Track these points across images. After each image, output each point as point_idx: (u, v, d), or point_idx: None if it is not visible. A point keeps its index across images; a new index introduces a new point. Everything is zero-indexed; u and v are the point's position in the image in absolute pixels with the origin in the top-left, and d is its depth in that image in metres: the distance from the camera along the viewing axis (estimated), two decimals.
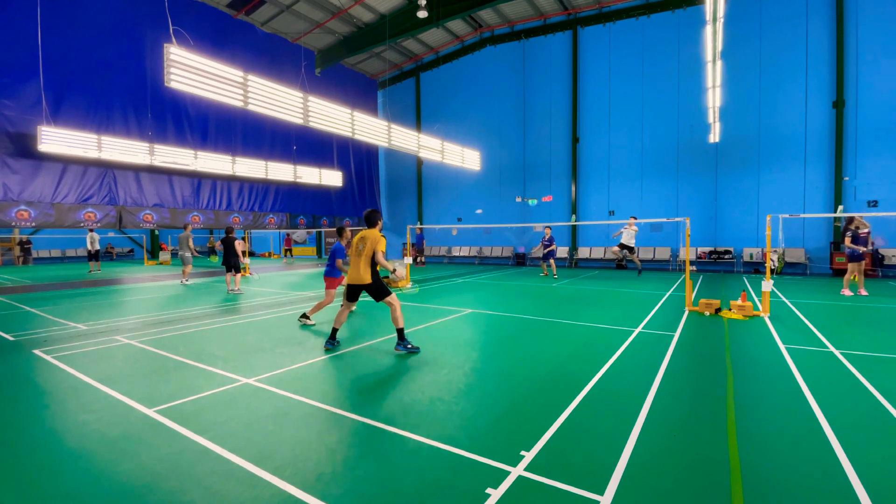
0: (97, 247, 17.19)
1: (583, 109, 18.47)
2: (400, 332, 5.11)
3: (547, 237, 13.50)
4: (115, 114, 14.17)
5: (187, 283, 12.65)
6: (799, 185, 14.53)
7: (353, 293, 5.23)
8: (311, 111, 10.42)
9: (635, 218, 12.82)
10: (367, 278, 5.11)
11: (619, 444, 2.83)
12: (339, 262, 6.95)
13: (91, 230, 16.22)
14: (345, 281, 5.29)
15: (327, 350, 5.20)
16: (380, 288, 5.21)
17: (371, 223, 5.37)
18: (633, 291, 10.25)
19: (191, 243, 12.55)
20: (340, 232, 7.21)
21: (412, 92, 23.84)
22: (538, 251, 13.87)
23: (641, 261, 17.08)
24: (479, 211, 21.58)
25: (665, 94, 16.63)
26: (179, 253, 12.62)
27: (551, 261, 13.46)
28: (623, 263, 14.39)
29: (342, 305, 5.38)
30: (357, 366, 4.64)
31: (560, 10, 18.44)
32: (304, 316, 6.90)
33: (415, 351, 5.07)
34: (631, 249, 13.54)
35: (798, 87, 14.44)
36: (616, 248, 13.70)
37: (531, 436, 2.95)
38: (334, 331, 5.34)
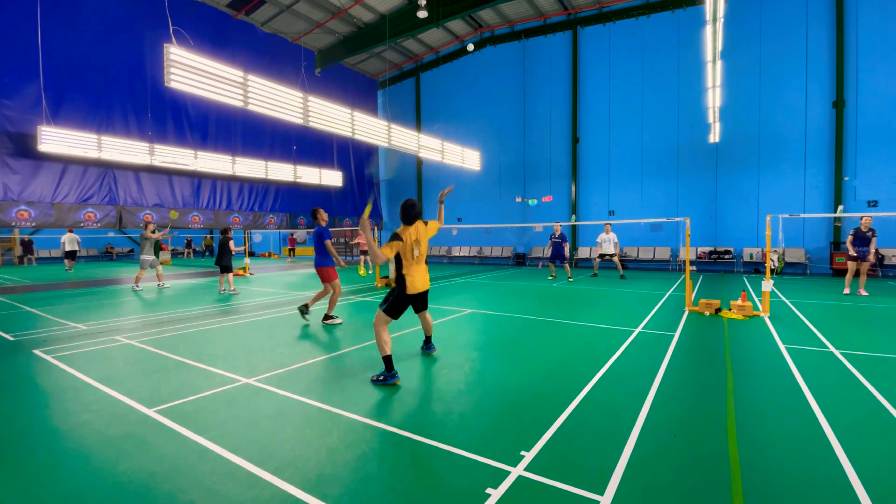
0: (76, 247, 17.63)
1: (583, 109, 18.47)
2: (429, 337, 5.00)
3: (558, 233, 12.59)
4: (115, 114, 14.17)
5: (139, 288, 11.12)
6: (799, 185, 14.53)
7: (406, 306, 4.36)
8: (311, 111, 10.43)
9: (610, 223, 12.81)
10: (429, 283, 4.54)
11: (619, 444, 2.83)
12: (329, 242, 6.48)
13: (70, 230, 16.50)
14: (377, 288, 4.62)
15: (396, 384, 4.00)
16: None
17: (411, 218, 4.28)
18: (633, 291, 10.25)
19: (147, 245, 11.15)
20: (316, 214, 6.70)
21: (412, 92, 23.84)
22: (547, 250, 13.05)
23: (642, 261, 17.10)
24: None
25: (665, 94, 16.63)
26: (139, 256, 11.37)
27: (565, 264, 12.62)
28: (596, 273, 13.90)
29: (383, 322, 4.17)
30: (357, 366, 4.63)
31: (560, 10, 18.44)
32: (328, 317, 6.62)
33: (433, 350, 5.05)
34: (604, 255, 13.44)
35: (798, 87, 14.44)
36: (596, 261, 13.64)
37: (531, 436, 2.95)
38: (390, 358, 4.07)
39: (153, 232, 11.30)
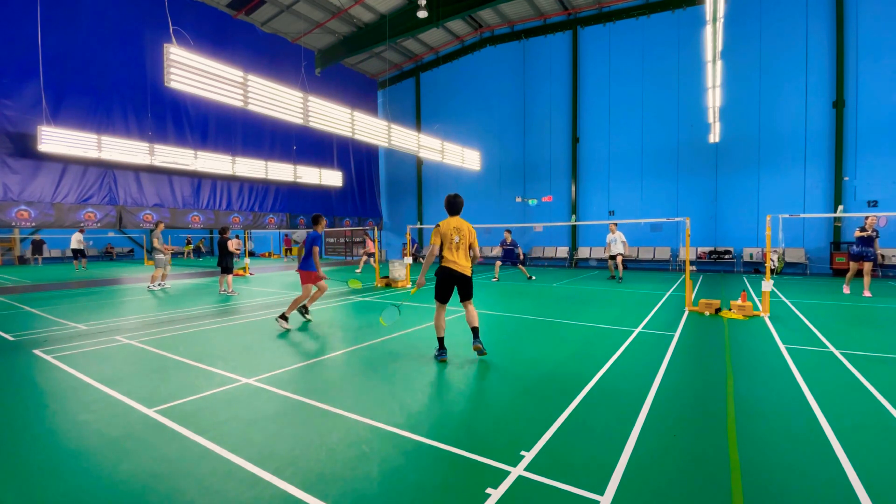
0: (82, 246, 17.58)
1: (583, 109, 18.47)
2: (476, 329, 4.81)
3: (508, 241, 13.09)
4: (115, 114, 14.17)
5: (165, 286, 11.44)
6: (799, 185, 14.53)
7: (450, 288, 4.78)
8: (311, 111, 10.42)
9: (615, 224, 12.75)
10: (469, 271, 4.82)
11: (619, 444, 2.83)
12: (316, 249, 6.57)
13: (82, 230, 16.48)
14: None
15: (444, 361, 4.68)
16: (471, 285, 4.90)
17: (456, 209, 4.85)
18: (633, 291, 10.25)
19: (156, 244, 11.10)
20: (317, 220, 6.91)
21: (412, 92, 23.84)
22: (497, 252, 13.37)
23: (642, 261, 17.11)
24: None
25: (665, 94, 16.63)
26: (153, 255, 11.34)
27: (520, 265, 13.30)
28: (614, 275, 13.47)
29: (439, 308, 4.81)
30: (357, 366, 4.63)
31: (560, 10, 18.44)
32: (282, 317, 6.44)
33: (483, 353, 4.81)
34: (614, 255, 13.32)
35: (798, 87, 14.44)
36: (611, 261, 13.41)
37: (531, 436, 2.95)
38: (442, 339, 4.81)
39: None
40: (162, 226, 11.50)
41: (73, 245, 17.46)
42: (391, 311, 5.52)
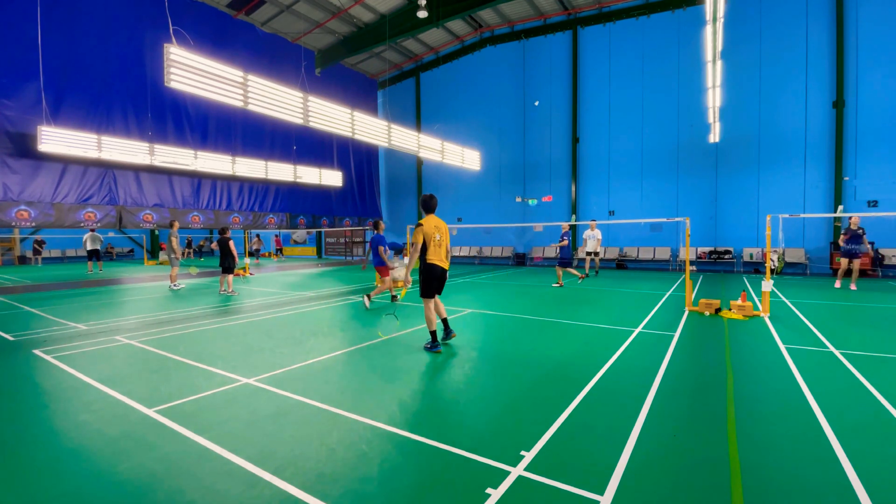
0: (98, 246, 17.16)
1: (583, 109, 18.46)
2: (446, 320, 5.47)
3: (564, 231, 11.03)
4: (115, 114, 14.15)
5: (174, 287, 11.33)
6: (799, 185, 14.53)
7: (434, 283, 5.18)
8: (311, 111, 10.42)
9: (595, 221, 12.80)
10: (448, 266, 5.28)
11: (619, 444, 2.83)
12: (381, 248, 8.16)
13: (92, 230, 16.26)
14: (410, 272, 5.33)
15: (438, 353, 5.04)
16: None
17: (431, 208, 5.21)
18: (633, 291, 10.25)
19: (175, 244, 11.28)
20: (377, 225, 8.61)
21: (412, 92, 23.84)
22: (554, 250, 12.35)
23: (642, 261, 17.10)
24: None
25: (665, 94, 16.62)
26: (167, 255, 11.31)
27: (570, 268, 11.08)
28: (587, 273, 12.99)
29: (429, 303, 5.20)
30: (357, 366, 4.63)
31: (560, 10, 18.44)
32: (367, 297, 8.25)
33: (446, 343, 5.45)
34: (595, 254, 13.34)
35: (798, 87, 14.43)
36: (587, 258, 13.46)
37: (531, 436, 2.95)
38: (434, 333, 5.16)
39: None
40: (177, 225, 11.57)
41: (89, 246, 16.89)
42: (388, 323, 6.37)
